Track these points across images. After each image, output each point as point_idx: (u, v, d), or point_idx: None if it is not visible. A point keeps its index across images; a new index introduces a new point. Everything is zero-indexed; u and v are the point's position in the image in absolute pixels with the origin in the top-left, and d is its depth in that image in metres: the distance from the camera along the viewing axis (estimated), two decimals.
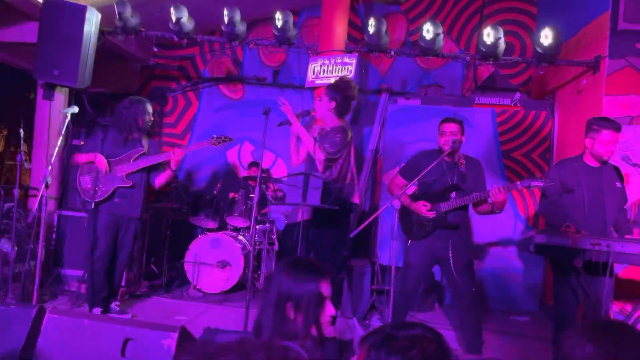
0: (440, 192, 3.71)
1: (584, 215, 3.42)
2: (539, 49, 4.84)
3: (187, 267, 5.23)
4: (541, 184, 3.44)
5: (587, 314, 3.38)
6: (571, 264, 3.17)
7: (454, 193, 3.68)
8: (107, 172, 4.14)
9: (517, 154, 5.70)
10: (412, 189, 3.86)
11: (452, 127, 3.69)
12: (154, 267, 5.62)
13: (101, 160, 4.13)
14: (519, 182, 3.51)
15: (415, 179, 3.62)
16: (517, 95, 5.72)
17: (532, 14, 6.64)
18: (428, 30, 4.85)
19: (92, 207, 4.13)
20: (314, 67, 5.17)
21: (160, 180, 4.35)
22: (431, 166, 3.53)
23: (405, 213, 3.84)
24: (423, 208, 3.67)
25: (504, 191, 3.49)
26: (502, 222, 5.50)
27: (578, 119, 5.16)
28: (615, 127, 3.37)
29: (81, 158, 4.19)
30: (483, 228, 5.47)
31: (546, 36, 4.75)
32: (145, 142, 4.34)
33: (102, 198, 4.14)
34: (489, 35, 4.79)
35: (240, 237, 5.46)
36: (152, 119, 4.38)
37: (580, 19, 5.23)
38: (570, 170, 3.52)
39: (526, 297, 5.53)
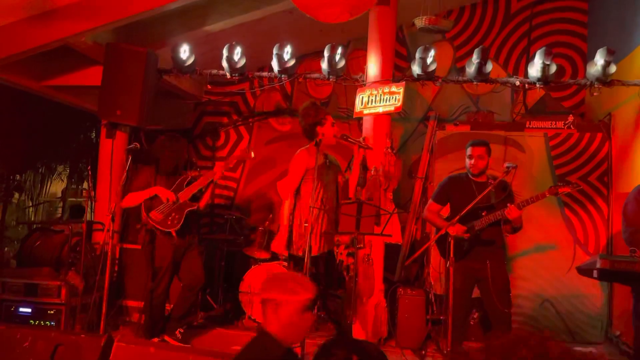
0: (473, 212, 3.77)
1: None
2: (592, 71, 4.74)
3: (242, 298, 5.29)
4: (568, 189, 3.59)
5: None
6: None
7: (484, 212, 3.82)
8: (175, 200, 4.26)
9: (573, 177, 5.50)
10: (446, 212, 4.09)
11: (478, 150, 3.92)
12: (209, 298, 5.73)
13: (164, 191, 4.23)
14: (546, 190, 3.63)
15: (468, 207, 3.70)
16: (570, 118, 5.59)
17: (582, 36, 6.53)
18: (475, 57, 4.84)
19: (174, 236, 4.21)
20: (362, 97, 5.22)
21: (203, 202, 4.52)
22: (481, 196, 3.70)
23: (442, 237, 3.90)
24: (460, 230, 3.75)
25: (515, 208, 3.62)
26: (561, 248, 5.33)
27: (638, 139, 4.99)
28: None
29: (139, 197, 4.23)
30: (541, 255, 5.30)
31: (599, 57, 4.63)
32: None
33: (180, 225, 4.23)
34: (538, 58, 4.73)
35: None
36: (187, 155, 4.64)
37: (633, 38, 5.11)
38: None
39: (589, 327, 5.27)
